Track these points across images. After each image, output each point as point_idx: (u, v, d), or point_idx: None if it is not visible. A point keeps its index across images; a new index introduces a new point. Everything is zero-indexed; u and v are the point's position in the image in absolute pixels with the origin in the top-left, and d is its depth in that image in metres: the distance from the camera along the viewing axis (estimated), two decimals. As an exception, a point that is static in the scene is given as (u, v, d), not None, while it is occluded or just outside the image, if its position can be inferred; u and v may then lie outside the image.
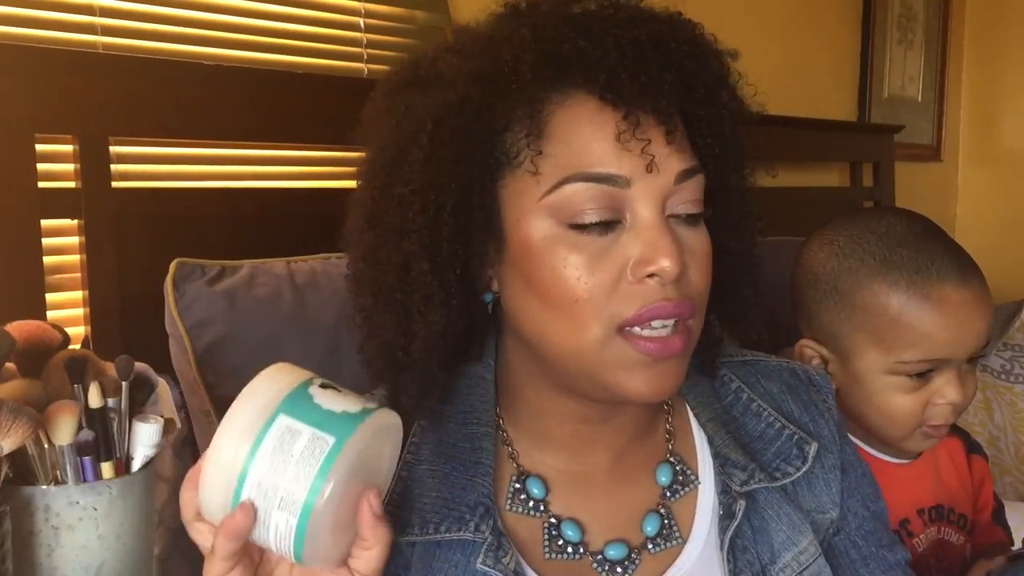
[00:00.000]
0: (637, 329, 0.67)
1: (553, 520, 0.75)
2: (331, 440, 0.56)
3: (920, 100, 3.03)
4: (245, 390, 0.59)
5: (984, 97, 3.26)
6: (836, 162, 2.70)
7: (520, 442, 0.77)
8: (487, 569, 0.70)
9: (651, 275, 0.66)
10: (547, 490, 0.76)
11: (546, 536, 0.75)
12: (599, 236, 0.67)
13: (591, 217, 0.66)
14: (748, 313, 0.79)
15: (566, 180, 0.66)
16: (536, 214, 0.67)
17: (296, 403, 0.58)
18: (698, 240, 0.70)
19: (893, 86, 2.89)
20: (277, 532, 0.57)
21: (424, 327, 0.70)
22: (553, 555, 0.74)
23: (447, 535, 0.71)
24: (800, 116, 2.33)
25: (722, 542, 0.75)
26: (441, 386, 0.74)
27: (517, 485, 0.76)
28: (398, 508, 0.72)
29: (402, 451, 0.73)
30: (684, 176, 0.68)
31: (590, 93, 0.67)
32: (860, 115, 2.78)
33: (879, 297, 1.05)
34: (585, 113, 0.67)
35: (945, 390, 1.05)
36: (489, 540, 0.70)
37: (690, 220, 0.69)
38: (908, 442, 1.11)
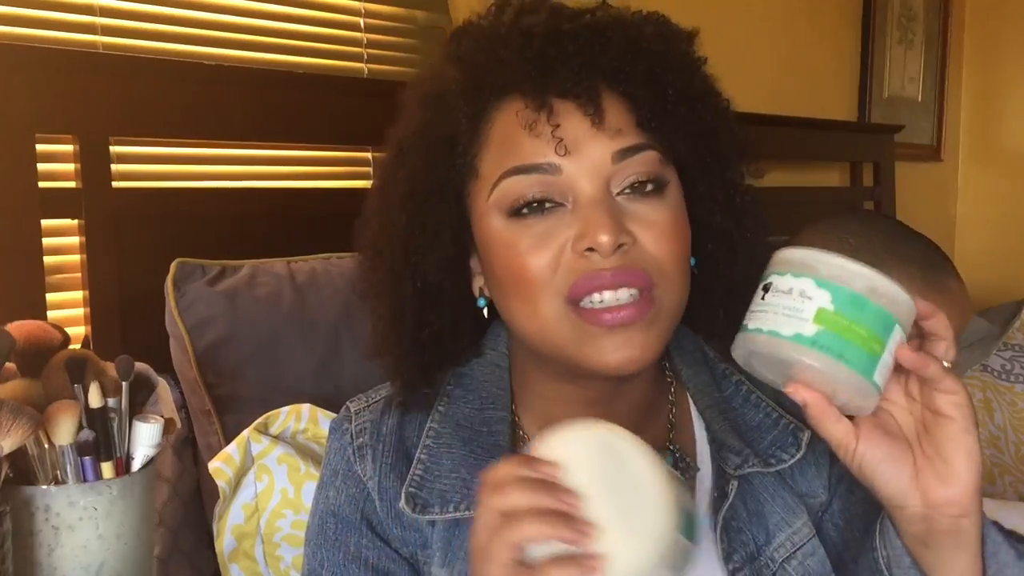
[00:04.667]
0: (588, 303, 0.69)
1: None
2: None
3: (920, 100, 3.03)
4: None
5: (984, 97, 3.26)
6: (836, 162, 2.70)
7: (531, 427, 0.80)
8: None
9: (589, 250, 0.68)
10: None
11: None
12: (540, 219, 0.70)
13: (524, 201, 0.70)
14: (732, 292, 0.80)
15: (501, 177, 0.71)
16: (487, 213, 0.73)
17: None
18: (655, 211, 0.71)
19: (893, 86, 2.89)
20: None
21: (416, 330, 0.77)
22: None
23: (467, 513, 0.73)
24: (800, 116, 2.33)
25: (715, 522, 0.77)
26: (436, 379, 0.80)
27: None
28: (419, 489, 0.75)
29: (421, 436, 0.78)
30: (624, 154, 0.70)
31: (519, 95, 0.71)
32: (860, 115, 2.78)
33: None
34: (513, 113, 0.72)
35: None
36: None
37: (643, 193, 0.71)
38: None
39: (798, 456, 0.80)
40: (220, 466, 1.01)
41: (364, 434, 0.79)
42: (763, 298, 0.64)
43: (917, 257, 1.09)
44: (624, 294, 0.69)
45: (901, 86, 2.93)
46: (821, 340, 0.61)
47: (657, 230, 0.71)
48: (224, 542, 1.03)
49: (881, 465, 0.64)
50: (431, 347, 0.77)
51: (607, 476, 0.60)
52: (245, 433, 1.03)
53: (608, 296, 0.69)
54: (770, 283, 0.64)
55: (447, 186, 0.74)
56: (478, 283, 0.79)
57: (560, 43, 0.71)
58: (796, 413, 0.83)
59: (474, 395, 0.80)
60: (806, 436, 0.81)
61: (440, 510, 0.74)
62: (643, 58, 0.72)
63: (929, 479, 0.63)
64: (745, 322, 0.65)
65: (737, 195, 0.78)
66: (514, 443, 0.79)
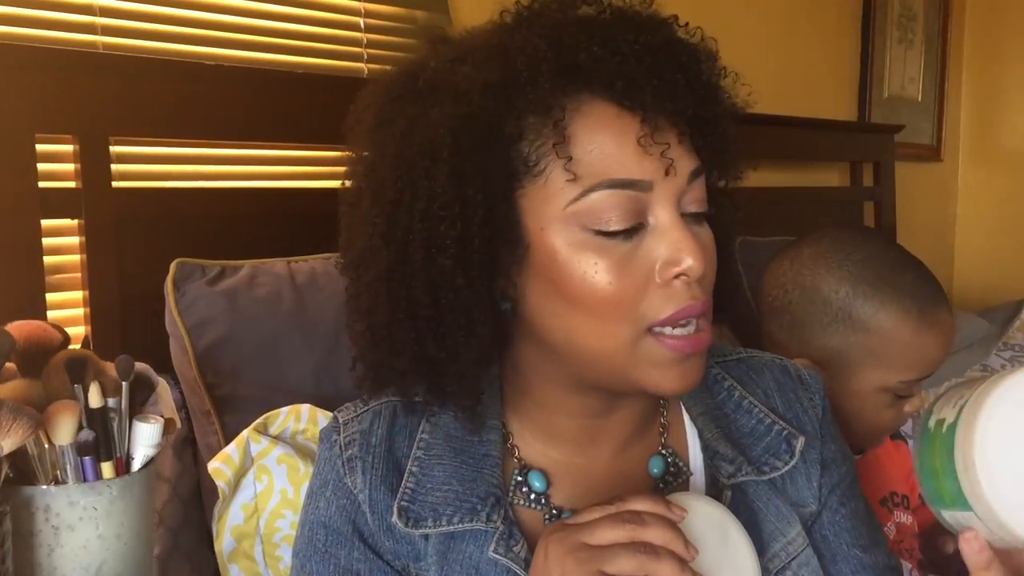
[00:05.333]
0: (668, 329, 0.69)
1: (555, 512, 0.77)
2: None
3: (920, 100, 3.03)
4: None
5: (984, 97, 3.26)
6: (836, 162, 2.70)
7: (523, 437, 0.79)
8: (498, 557, 0.72)
9: (677, 276, 0.68)
10: (548, 483, 0.78)
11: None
12: (624, 240, 0.68)
13: (616, 224, 0.67)
14: (728, 306, 0.82)
15: (592, 188, 0.67)
16: (562, 222, 0.68)
17: None
18: (707, 236, 0.72)
19: (893, 86, 2.89)
20: None
21: (468, 339, 0.70)
22: None
23: (460, 526, 0.73)
24: (800, 116, 2.33)
25: None
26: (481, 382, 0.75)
27: (519, 478, 0.78)
28: (411, 502, 0.74)
29: (412, 447, 0.76)
30: (693, 176, 0.70)
31: (608, 99, 0.68)
32: (860, 115, 2.78)
33: (894, 323, 1.12)
34: (604, 120, 0.68)
35: (914, 402, 1.17)
36: (501, 529, 0.73)
37: (698, 219, 0.72)
38: (875, 445, 1.23)
39: (792, 463, 0.80)
40: (219, 466, 1.01)
41: (353, 445, 0.77)
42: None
43: (912, 290, 1.12)
44: (694, 319, 0.70)
45: (901, 86, 2.93)
46: None
47: (710, 256, 0.71)
48: (224, 542, 1.03)
49: None
50: (480, 359, 0.72)
51: (716, 549, 0.68)
52: (244, 433, 1.03)
53: (684, 321, 0.69)
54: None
55: (501, 185, 0.68)
56: (502, 285, 0.72)
57: (655, 54, 0.68)
58: (789, 419, 0.83)
59: None
60: (799, 443, 0.80)
61: (433, 524, 0.73)
62: (704, 78, 0.73)
63: None
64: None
65: (732, 222, 0.80)
66: (504, 454, 0.77)
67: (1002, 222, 3.21)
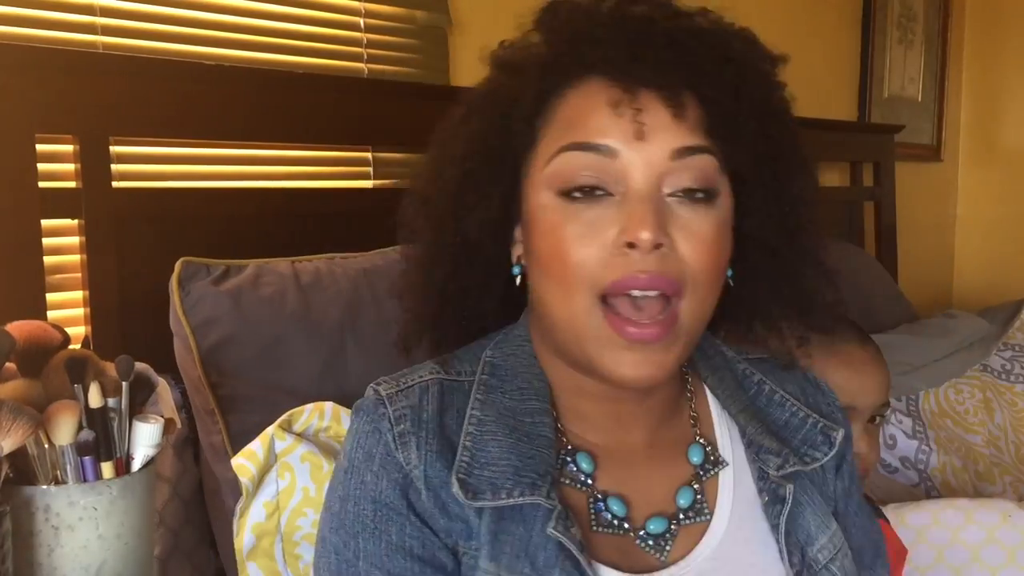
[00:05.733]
0: (617, 303, 0.69)
1: (599, 495, 0.77)
2: None
3: (920, 100, 3.03)
4: None
5: (984, 97, 3.26)
6: (836, 162, 2.70)
7: (567, 419, 0.79)
8: (559, 535, 0.70)
9: (630, 245, 0.68)
10: (595, 465, 0.78)
11: (592, 510, 0.76)
12: (590, 206, 0.70)
13: (577, 186, 0.70)
14: (759, 314, 0.81)
15: (560, 150, 0.71)
16: (539, 186, 0.72)
17: None
18: (701, 220, 0.71)
19: (893, 86, 2.89)
20: None
21: (481, 295, 0.80)
22: (600, 528, 0.76)
23: (520, 499, 0.71)
24: (800, 116, 2.33)
25: (776, 527, 0.78)
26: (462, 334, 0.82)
27: (567, 459, 0.78)
28: (468, 476, 0.72)
29: (463, 424, 0.75)
30: (683, 153, 0.70)
31: (603, 75, 0.71)
32: (860, 115, 2.78)
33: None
34: (593, 93, 0.71)
35: (859, 444, 1.11)
36: (559, 508, 0.72)
37: (694, 200, 0.71)
38: None
39: (832, 454, 0.81)
40: (244, 463, 0.99)
41: (404, 420, 0.73)
42: None
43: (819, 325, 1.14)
44: (653, 293, 0.69)
45: (901, 86, 2.93)
46: None
47: (698, 240, 0.70)
48: (244, 539, 1.01)
49: None
50: (455, 301, 0.78)
51: None
52: (270, 430, 1.01)
53: (638, 294, 0.69)
54: None
55: (505, 151, 0.74)
56: (517, 251, 0.78)
57: (653, 33, 0.71)
58: (822, 411, 0.84)
59: (511, 384, 0.78)
60: (839, 435, 0.81)
61: (492, 496, 0.71)
62: (728, 66, 0.73)
63: None
64: None
65: (794, 213, 0.78)
66: (556, 434, 0.77)
67: (1002, 222, 3.21)
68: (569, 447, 0.78)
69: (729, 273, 0.76)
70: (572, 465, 0.77)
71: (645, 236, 0.67)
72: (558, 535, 0.70)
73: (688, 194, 0.70)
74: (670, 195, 0.70)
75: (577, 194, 0.70)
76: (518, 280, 0.78)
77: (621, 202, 0.69)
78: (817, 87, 2.60)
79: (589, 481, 0.77)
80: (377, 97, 1.53)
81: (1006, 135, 3.24)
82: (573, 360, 0.75)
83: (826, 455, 0.81)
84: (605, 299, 0.69)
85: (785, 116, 0.78)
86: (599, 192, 0.70)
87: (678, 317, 0.70)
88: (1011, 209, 3.18)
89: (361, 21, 1.58)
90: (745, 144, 0.73)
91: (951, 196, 3.32)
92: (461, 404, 0.76)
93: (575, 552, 0.70)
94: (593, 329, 0.70)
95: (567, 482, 0.77)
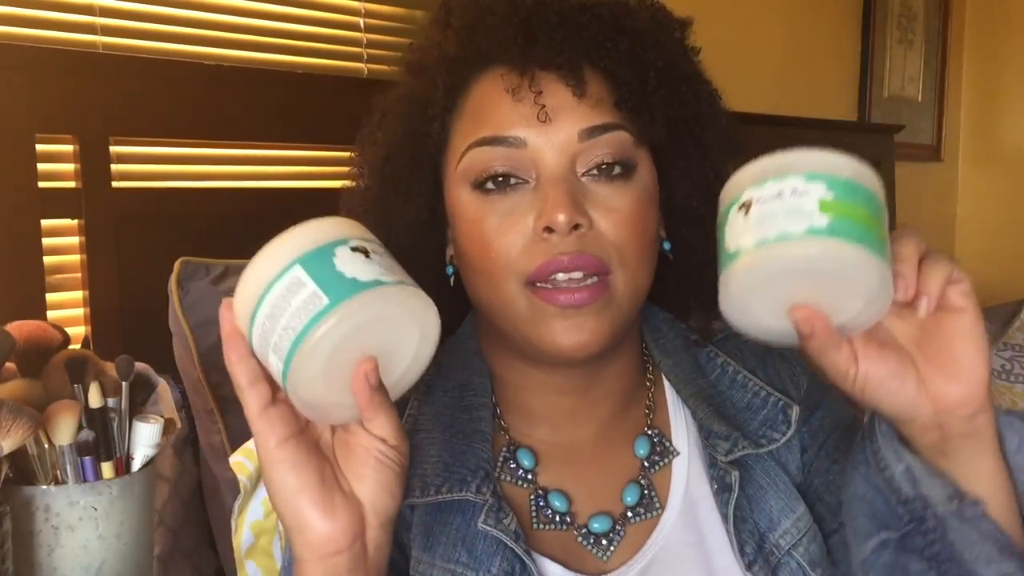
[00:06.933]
0: (543, 284, 0.69)
1: (541, 491, 0.77)
2: (325, 300, 0.56)
3: (920, 100, 3.03)
4: (289, 231, 0.61)
5: (984, 97, 3.26)
6: (836, 162, 2.70)
7: (511, 416, 0.79)
8: (489, 529, 0.71)
9: (548, 229, 0.68)
10: (536, 461, 0.78)
11: (533, 506, 0.76)
12: (505, 195, 0.70)
13: (489, 179, 0.70)
14: (705, 277, 0.77)
15: (469, 147, 0.71)
16: (455, 184, 0.73)
17: (316, 258, 0.59)
18: (619, 196, 0.70)
19: (893, 86, 2.89)
20: (274, 377, 0.59)
21: None
22: (541, 525, 0.76)
23: (448, 496, 0.72)
24: (800, 116, 2.33)
25: (725, 516, 0.76)
26: None
27: (507, 455, 0.78)
28: None
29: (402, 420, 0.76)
30: (592, 133, 0.70)
31: (501, 63, 0.71)
32: (860, 115, 2.78)
33: None
34: (494, 83, 0.71)
35: None
36: (490, 502, 0.72)
37: (610, 176, 0.70)
38: None
39: (789, 433, 0.79)
40: (242, 460, 0.99)
41: None
42: (747, 215, 0.56)
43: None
44: (579, 275, 0.69)
45: (901, 86, 2.93)
46: (836, 227, 0.54)
47: (618, 216, 0.70)
48: (242, 537, 1.01)
49: (885, 382, 0.59)
50: None
51: None
52: None
53: (562, 277, 0.68)
54: (748, 199, 0.56)
55: (421, 152, 0.75)
56: (450, 251, 0.78)
57: (545, 14, 0.71)
58: (784, 390, 0.82)
59: (452, 383, 0.79)
60: (794, 412, 0.79)
61: (420, 494, 0.73)
62: (627, 36, 0.72)
63: (937, 382, 0.59)
64: (734, 250, 0.57)
65: (718, 181, 0.77)
66: (495, 430, 0.77)
67: (1002, 222, 3.21)
68: (511, 443, 0.78)
69: (667, 247, 0.76)
70: (512, 462, 0.77)
71: (561, 218, 0.67)
72: (488, 528, 0.71)
73: (603, 171, 0.70)
74: (585, 174, 0.70)
75: (490, 185, 0.70)
76: (452, 281, 0.78)
77: (535, 188, 0.70)
78: (817, 87, 2.60)
79: (529, 477, 0.77)
80: (377, 97, 1.53)
81: (1006, 135, 3.24)
82: (514, 345, 0.74)
83: (784, 435, 0.78)
84: (532, 284, 0.69)
85: (698, 81, 0.76)
86: (513, 181, 0.70)
87: (609, 286, 0.70)
88: (1011, 209, 3.18)
89: (361, 21, 1.59)
90: (657, 114, 0.72)
91: (951, 196, 3.32)
92: (402, 404, 0.76)
93: (510, 543, 0.71)
94: (525, 309, 0.70)
95: (508, 479, 0.77)
